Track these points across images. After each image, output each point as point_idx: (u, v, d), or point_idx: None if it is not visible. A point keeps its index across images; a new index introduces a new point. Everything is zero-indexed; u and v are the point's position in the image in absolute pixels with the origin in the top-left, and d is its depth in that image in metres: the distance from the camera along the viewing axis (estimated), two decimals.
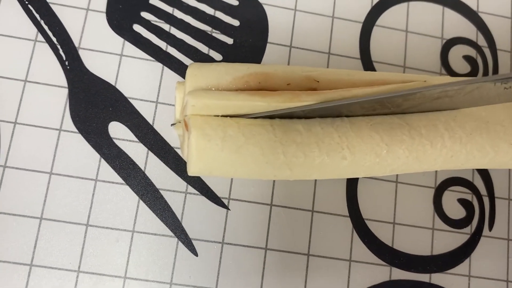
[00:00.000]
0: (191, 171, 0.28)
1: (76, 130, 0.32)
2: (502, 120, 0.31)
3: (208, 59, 0.34)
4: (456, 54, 0.37)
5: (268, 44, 0.35)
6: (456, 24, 0.38)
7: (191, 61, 0.34)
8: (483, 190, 0.36)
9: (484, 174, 0.36)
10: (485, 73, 0.37)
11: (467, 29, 0.38)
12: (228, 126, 0.28)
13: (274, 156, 0.28)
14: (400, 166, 0.30)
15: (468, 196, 0.35)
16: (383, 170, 0.30)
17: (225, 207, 0.33)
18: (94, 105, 0.33)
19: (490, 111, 0.31)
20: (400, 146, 0.29)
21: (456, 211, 0.35)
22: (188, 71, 0.31)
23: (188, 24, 0.35)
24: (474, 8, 0.38)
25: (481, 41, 0.38)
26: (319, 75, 0.30)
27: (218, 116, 0.29)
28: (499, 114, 0.31)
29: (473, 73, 0.37)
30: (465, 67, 0.37)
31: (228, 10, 0.35)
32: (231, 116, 0.29)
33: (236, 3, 0.36)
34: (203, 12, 0.35)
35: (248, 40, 0.35)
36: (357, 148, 0.29)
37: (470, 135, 0.30)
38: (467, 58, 0.37)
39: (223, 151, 0.28)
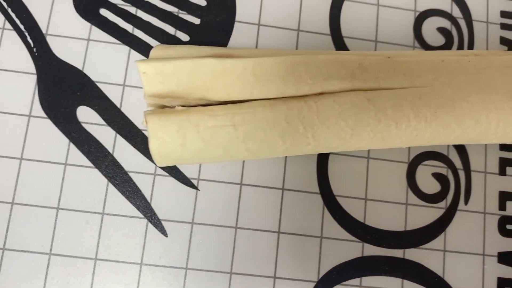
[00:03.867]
0: (158, 165, 0.30)
1: (45, 116, 0.33)
2: (468, 97, 0.30)
3: (175, 40, 0.34)
4: (430, 27, 0.37)
5: (236, 23, 0.35)
6: None
7: (158, 43, 0.34)
8: (458, 164, 0.35)
9: (460, 147, 0.35)
10: (460, 46, 0.37)
11: (441, 0, 0.37)
12: (187, 131, 0.28)
13: (238, 152, 0.29)
14: (364, 145, 0.30)
15: (443, 170, 0.35)
16: (347, 149, 0.31)
17: (195, 187, 0.33)
18: (63, 90, 0.33)
19: (455, 88, 0.30)
20: (365, 129, 0.29)
21: (430, 186, 0.35)
22: (151, 53, 0.31)
23: (155, 6, 0.35)
24: None
25: (456, 13, 0.37)
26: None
27: (177, 114, 0.29)
28: (464, 90, 0.30)
29: (447, 45, 0.36)
30: (439, 40, 0.37)
31: None
32: (186, 107, 0.30)
33: None
34: None
35: (215, 20, 0.35)
36: (321, 136, 0.29)
37: (435, 113, 0.30)
38: (442, 30, 0.37)
39: (184, 154, 0.29)
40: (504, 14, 0.38)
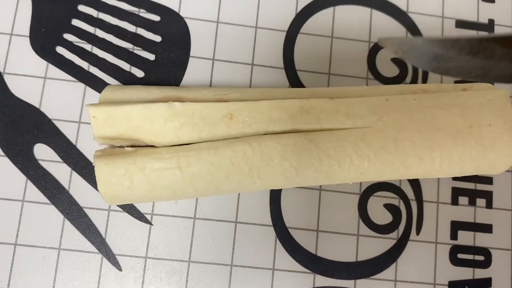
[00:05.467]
0: (109, 204, 0.31)
1: (3, 154, 0.34)
2: (412, 136, 0.30)
3: (129, 77, 0.35)
4: (384, 57, 0.37)
5: (190, 58, 0.36)
6: (385, 26, 0.38)
7: (113, 79, 0.35)
8: (411, 195, 0.36)
9: (412, 178, 0.36)
10: (414, 76, 0.37)
11: (396, 31, 0.38)
12: (134, 174, 0.29)
13: (185, 192, 0.30)
14: (310, 183, 0.31)
15: (395, 201, 0.36)
16: (293, 186, 0.31)
17: (148, 222, 0.34)
18: (20, 128, 0.34)
19: (399, 128, 0.30)
20: (309, 168, 0.30)
21: (382, 216, 0.35)
22: (101, 96, 0.32)
23: (110, 43, 0.35)
24: (404, 8, 0.38)
25: None
26: (230, 97, 0.31)
27: (124, 157, 0.30)
28: (408, 130, 0.30)
29: (401, 75, 0.37)
30: (393, 70, 0.37)
31: (150, 26, 0.36)
32: (135, 147, 0.31)
33: (157, 18, 0.36)
34: (125, 30, 0.36)
35: (170, 55, 0.36)
36: (268, 176, 0.30)
37: (378, 153, 0.30)
38: (396, 60, 0.37)
39: (133, 195, 0.30)
40: (459, 24, 0.38)
